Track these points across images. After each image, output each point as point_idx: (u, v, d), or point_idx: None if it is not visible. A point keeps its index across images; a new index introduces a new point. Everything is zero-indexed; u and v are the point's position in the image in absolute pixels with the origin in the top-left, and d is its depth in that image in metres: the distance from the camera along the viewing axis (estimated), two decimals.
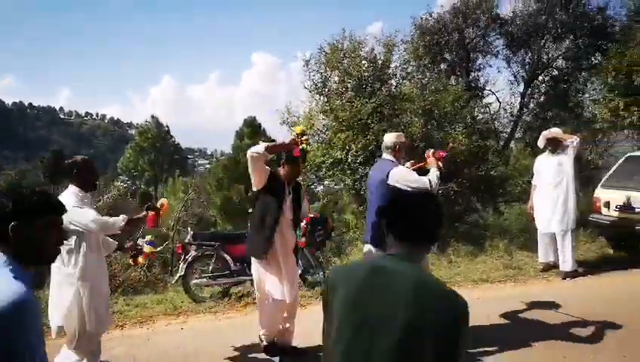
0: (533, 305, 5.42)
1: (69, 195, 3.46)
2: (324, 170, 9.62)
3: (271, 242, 3.95)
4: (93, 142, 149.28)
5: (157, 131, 48.12)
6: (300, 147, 3.89)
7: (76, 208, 3.37)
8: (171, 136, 50.40)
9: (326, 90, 10.41)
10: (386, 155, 4.21)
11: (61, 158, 51.28)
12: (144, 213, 3.72)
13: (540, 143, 7.02)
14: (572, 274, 6.62)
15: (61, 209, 1.67)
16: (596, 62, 13.25)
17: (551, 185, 6.73)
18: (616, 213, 7.26)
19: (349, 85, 9.92)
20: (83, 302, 3.49)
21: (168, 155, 48.01)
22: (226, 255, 6.26)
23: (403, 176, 3.90)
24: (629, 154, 8.04)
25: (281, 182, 4.05)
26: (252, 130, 39.64)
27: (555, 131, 6.99)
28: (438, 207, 1.67)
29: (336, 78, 10.33)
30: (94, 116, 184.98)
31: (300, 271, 6.45)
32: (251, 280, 6.39)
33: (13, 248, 1.54)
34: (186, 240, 6.44)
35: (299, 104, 10.94)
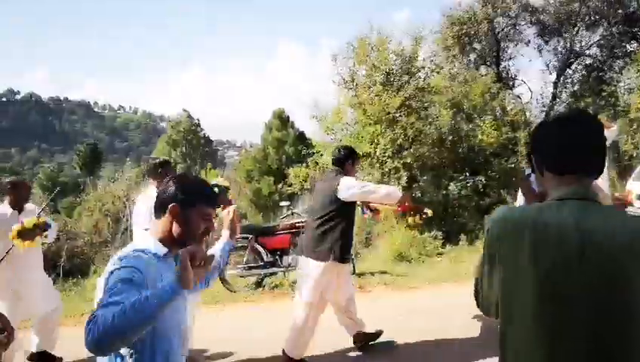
0: None
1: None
2: None
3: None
4: (126, 135, 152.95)
5: (188, 124, 49.13)
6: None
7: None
8: (202, 129, 51.36)
9: (354, 84, 10.52)
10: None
11: (96, 151, 53.02)
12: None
13: None
14: None
15: (215, 203, 1.77)
16: (631, 49, 12.90)
17: None
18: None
19: (377, 79, 10.00)
20: None
21: (199, 147, 49.00)
22: (259, 247, 6.52)
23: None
24: None
25: None
26: (281, 122, 40.02)
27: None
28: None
29: (364, 72, 10.42)
30: (127, 109, 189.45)
31: None
32: (283, 271, 6.73)
33: (166, 225, 1.65)
34: None
35: (327, 99, 11.11)
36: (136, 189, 10.85)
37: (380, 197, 3.70)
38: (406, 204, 3.94)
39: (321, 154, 10.63)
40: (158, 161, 3.90)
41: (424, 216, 4.02)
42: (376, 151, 9.26)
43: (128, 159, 50.96)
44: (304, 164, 11.57)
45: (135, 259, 1.51)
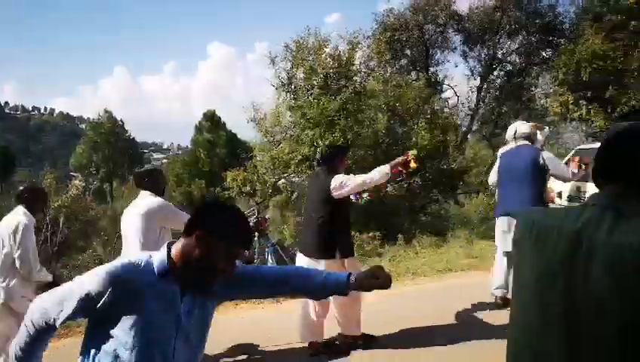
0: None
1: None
2: (292, 166, 9.76)
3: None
4: (41, 138, 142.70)
5: (110, 125, 46.61)
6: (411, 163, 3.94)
7: None
8: (125, 131, 48.95)
9: (292, 86, 10.52)
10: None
11: (8, 154, 48.88)
12: None
13: (509, 135, 7.39)
14: None
15: (248, 246, 1.63)
16: (547, 57, 13.96)
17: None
18: (567, 203, 7.75)
19: (315, 82, 10.07)
20: None
21: (123, 150, 46.58)
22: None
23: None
24: (578, 147, 8.57)
25: None
26: (212, 124, 39.11)
27: (525, 124, 7.41)
28: None
29: (302, 75, 10.45)
30: (42, 110, 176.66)
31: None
32: None
33: (189, 246, 1.53)
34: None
35: (264, 101, 11.02)
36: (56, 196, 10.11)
37: (376, 182, 3.77)
38: (398, 168, 3.95)
39: (258, 158, 10.53)
40: (144, 170, 3.73)
41: (414, 160, 4.01)
42: (316, 154, 9.27)
43: (46, 164, 47.43)
44: (242, 168, 11.39)
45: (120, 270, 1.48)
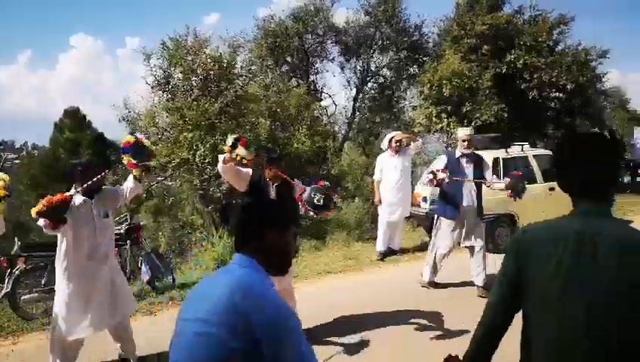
0: (371, 290, 6.12)
1: None
2: (169, 170, 9.30)
3: None
4: None
5: None
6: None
7: None
8: None
9: (169, 86, 10.05)
10: None
11: None
12: None
13: (384, 145, 7.92)
14: (395, 252, 8.01)
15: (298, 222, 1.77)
16: (414, 73, 15.21)
17: (398, 182, 7.67)
18: (429, 206, 8.49)
19: (194, 83, 9.74)
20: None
21: None
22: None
23: None
24: (442, 156, 9.47)
25: (265, 183, 4.31)
26: (75, 122, 35.63)
27: (399, 134, 7.98)
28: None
29: (180, 75, 10.04)
30: None
31: (147, 278, 6.22)
32: None
33: (263, 254, 1.64)
34: (13, 252, 5.67)
35: (138, 99, 10.34)
36: None
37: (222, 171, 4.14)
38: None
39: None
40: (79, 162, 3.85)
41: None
42: (195, 158, 8.98)
43: None
44: (110, 170, 10.54)
45: None
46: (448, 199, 5.73)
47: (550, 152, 8.89)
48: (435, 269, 6.02)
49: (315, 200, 4.21)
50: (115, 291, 3.79)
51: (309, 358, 1.54)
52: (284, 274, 1.76)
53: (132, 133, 3.79)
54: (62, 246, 3.65)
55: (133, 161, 3.73)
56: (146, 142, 3.85)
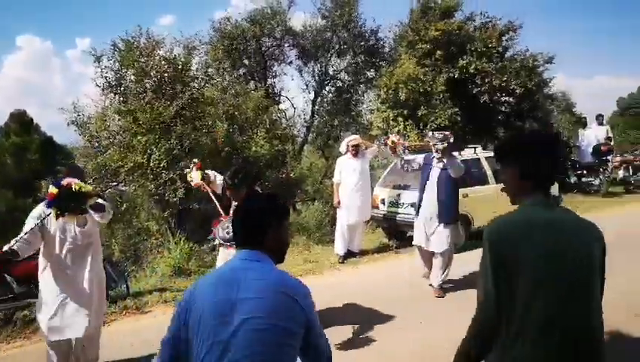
0: (331, 293, 6.14)
1: None
2: (122, 174, 8.99)
3: None
4: None
5: None
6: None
7: None
8: None
9: (121, 88, 9.73)
10: None
11: None
12: None
13: (342, 148, 7.98)
14: (355, 254, 8.08)
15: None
16: (372, 77, 15.41)
17: (357, 185, 7.74)
18: (388, 209, 8.62)
19: (147, 85, 9.47)
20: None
21: None
22: (7, 276, 5.42)
23: None
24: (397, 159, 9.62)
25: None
26: (22, 126, 34.00)
27: (357, 138, 8.06)
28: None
29: (133, 78, 9.74)
30: None
31: None
32: None
33: (266, 247, 1.87)
34: None
35: (88, 102, 9.95)
36: None
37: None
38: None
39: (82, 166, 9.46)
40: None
41: None
42: (150, 162, 8.72)
43: None
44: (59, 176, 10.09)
45: None
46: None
47: None
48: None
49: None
50: (90, 300, 3.77)
51: (321, 328, 1.89)
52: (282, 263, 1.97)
53: (57, 184, 3.40)
54: (42, 251, 3.72)
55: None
56: (76, 185, 3.43)
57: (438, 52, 12.52)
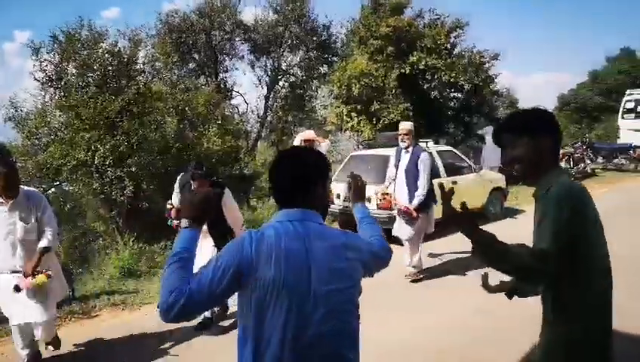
0: None
1: None
2: (65, 173, 8.52)
3: None
4: None
5: None
6: None
7: None
8: None
9: (62, 83, 9.22)
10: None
11: None
12: None
13: (296, 143, 7.86)
14: None
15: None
16: (325, 72, 15.42)
17: None
18: (343, 203, 8.64)
19: (90, 79, 9.02)
20: None
21: None
22: None
23: None
24: (352, 154, 9.68)
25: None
26: None
27: (310, 133, 7.95)
28: None
29: (75, 71, 9.26)
30: None
31: None
32: None
33: (312, 206, 1.68)
34: None
35: (26, 97, 9.38)
36: None
37: None
38: None
39: (20, 165, 8.92)
40: None
41: None
42: (94, 160, 8.31)
43: None
44: None
45: None
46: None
47: (451, 148, 9.45)
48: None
49: None
50: (43, 292, 3.67)
51: None
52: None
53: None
54: None
55: None
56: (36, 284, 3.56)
57: (390, 48, 12.67)
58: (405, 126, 5.99)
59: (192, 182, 4.35)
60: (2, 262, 3.63)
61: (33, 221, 3.64)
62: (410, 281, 5.96)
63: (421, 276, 6.06)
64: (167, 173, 9.36)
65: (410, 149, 5.88)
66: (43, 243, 3.59)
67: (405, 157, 5.94)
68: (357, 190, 2.09)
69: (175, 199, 4.68)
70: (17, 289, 3.47)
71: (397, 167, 6.07)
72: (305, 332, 1.48)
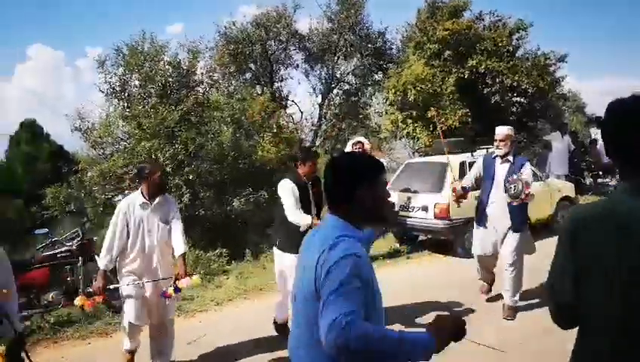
0: None
1: None
2: (127, 181, 8.85)
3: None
4: None
5: None
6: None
7: None
8: None
9: (125, 94, 9.63)
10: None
11: None
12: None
13: (348, 149, 7.71)
14: None
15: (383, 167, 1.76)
16: (379, 79, 15.20)
17: None
18: (399, 213, 8.36)
19: (152, 91, 9.36)
20: None
21: None
22: None
23: None
24: (407, 162, 9.40)
25: (303, 181, 4.30)
26: (32, 134, 34.27)
27: (362, 139, 7.79)
28: None
29: (137, 83, 9.64)
30: None
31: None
32: (42, 312, 5.56)
33: (353, 211, 1.66)
34: None
35: (93, 108, 9.88)
36: None
37: None
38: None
39: (87, 172, 9.37)
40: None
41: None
42: None
43: None
44: (64, 183, 9.98)
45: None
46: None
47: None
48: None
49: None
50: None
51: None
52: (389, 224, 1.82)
53: None
54: None
55: None
56: None
57: (447, 52, 12.27)
58: (502, 131, 4.87)
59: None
60: (144, 272, 3.72)
61: (168, 223, 3.75)
62: (505, 318, 4.81)
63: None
64: (222, 181, 9.50)
65: (510, 158, 4.82)
66: (182, 248, 3.72)
67: (502, 168, 4.80)
68: (449, 328, 1.58)
69: None
70: (177, 290, 3.63)
71: (492, 179, 4.86)
72: None
